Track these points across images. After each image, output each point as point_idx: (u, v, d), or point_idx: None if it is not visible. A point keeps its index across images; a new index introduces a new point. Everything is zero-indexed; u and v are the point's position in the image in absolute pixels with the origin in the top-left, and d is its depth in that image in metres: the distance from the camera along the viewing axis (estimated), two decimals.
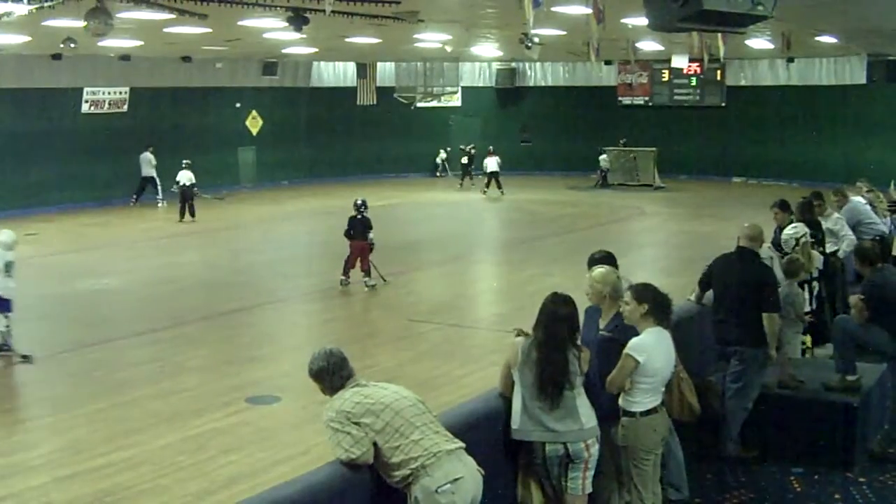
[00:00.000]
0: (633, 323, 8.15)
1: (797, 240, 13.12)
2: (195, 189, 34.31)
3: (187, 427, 13.18)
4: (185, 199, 34.01)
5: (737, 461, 10.30)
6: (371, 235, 21.86)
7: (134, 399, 14.53)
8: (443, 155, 48.47)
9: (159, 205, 37.65)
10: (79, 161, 36.28)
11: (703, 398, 9.05)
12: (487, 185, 41.21)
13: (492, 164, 41.13)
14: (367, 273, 22.00)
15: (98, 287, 22.85)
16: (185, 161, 35.17)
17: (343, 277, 22.15)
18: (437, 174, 48.38)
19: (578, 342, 7.74)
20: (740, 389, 10.27)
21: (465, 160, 44.81)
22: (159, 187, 37.75)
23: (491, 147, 42.31)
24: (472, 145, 45.09)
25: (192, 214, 33.95)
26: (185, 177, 34.20)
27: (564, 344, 7.58)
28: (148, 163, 37.85)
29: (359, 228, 21.84)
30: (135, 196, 37.75)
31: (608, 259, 9.36)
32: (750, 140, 43.93)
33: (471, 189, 42.37)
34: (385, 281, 22.29)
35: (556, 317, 7.66)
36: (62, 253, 27.49)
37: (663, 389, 8.24)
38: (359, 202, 22.07)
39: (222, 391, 14.85)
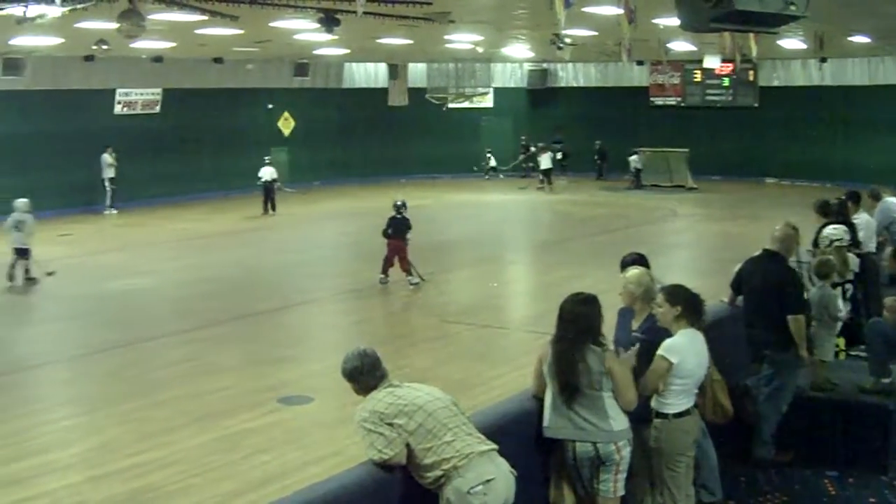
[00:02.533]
0: (666, 325, 8.12)
1: (832, 241, 13.04)
2: (277, 184, 35.09)
3: (220, 427, 13.21)
4: (268, 193, 34.98)
5: (770, 464, 10.23)
6: (408, 236, 22.04)
7: (167, 399, 14.58)
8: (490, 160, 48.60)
9: (106, 212, 36.35)
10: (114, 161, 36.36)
11: (737, 401, 9.01)
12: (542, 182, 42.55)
13: (546, 161, 42.63)
14: (409, 272, 22.12)
15: (131, 287, 22.95)
16: (266, 157, 36.13)
17: (382, 276, 22.26)
18: (486, 176, 48.35)
19: (602, 342, 7.67)
20: (773, 393, 10.19)
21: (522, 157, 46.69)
22: (109, 193, 36.50)
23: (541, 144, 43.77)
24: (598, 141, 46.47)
25: (273, 209, 34.95)
26: (268, 172, 35.05)
27: (578, 342, 7.54)
28: (106, 164, 36.46)
29: (398, 228, 21.99)
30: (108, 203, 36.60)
31: (640, 261, 9.34)
32: (783, 141, 43.67)
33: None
34: (423, 280, 22.40)
35: (571, 316, 7.64)
36: (96, 253, 27.64)
37: (696, 391, 8.20)
38: (398, 202, 22.36)
39: (255, 391, 14.88)
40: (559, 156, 46.52)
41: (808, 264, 11.60)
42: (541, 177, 43.20)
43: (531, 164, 46.88)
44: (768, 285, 10.22)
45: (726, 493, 9.33)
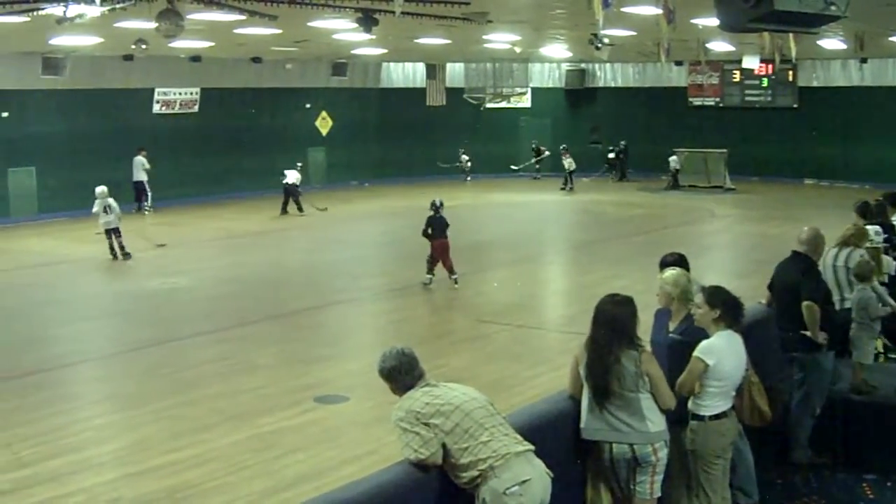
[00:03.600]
0: (704, 326, 8.08)
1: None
2: (299, 189, 35.08)
3: (255, 425, 13.23)
4: (287, 195, 35.02)
5: (808, 467, 10.16)
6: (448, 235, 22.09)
7: (202, 397, 14.63)
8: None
9: (146, 212, 36.14)
10: (150, 161, 36.51)
11: (774, 403, 8.95)
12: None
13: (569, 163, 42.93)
14: (451, 270, 22.10)
15: (167, 286, 23.04)
16: (298, 163, 36.23)
17: (429, 276, 22.23)
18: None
19: (638, 343, 7.61)
20: (804, 396, 10.15)
21: (611, 156, 46.80)
22: (149, 194, 36.49)
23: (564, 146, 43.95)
24: (622, 142, 46.68)
25: (300, 209, 35.04)
26: (292, 176, 35.11)
27: (613, 344, 7.50)
28: (140, 166, 36.29)
29: (438, 227, 21.97)
30: (136, 204, 36.10)
31: (680, 262, 9.29)
32: (822, 141, 43.41)
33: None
34: (432, 280, 22.39)
35: (606, 317, 7.61)
36: (134, 251, 27.72)
37: (734, 394, 8.15)
38: (437, 202, 22.36)
39: (291, 390, 14.89)
40: (611, 155, 46.85)
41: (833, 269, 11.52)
42: (565, 177, 43.22)
43: (539, 166, 47.12)
44: (791, 285, 10.18)
45: (763, 496, 9.26)
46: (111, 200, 26.47)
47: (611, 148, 47.05)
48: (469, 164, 47.24)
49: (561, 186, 42.78)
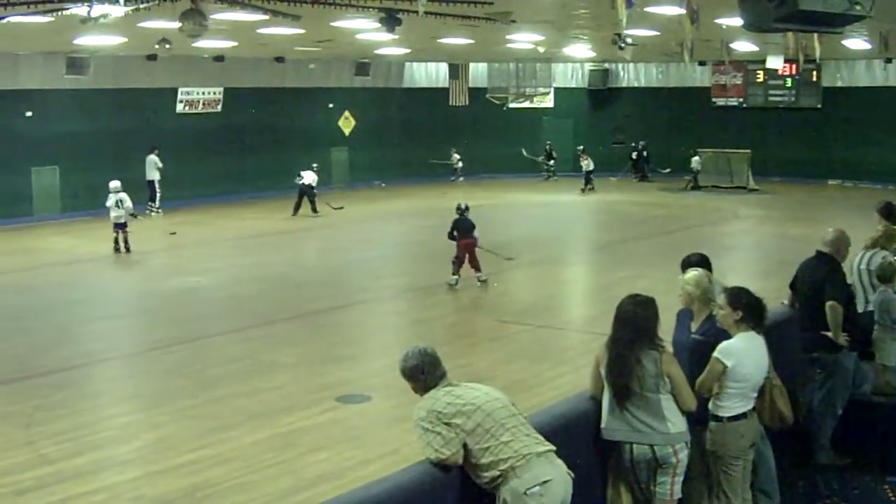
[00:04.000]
0: (726, 327, 8.06)
1: None
2: (315, 190, 34.85)
3: (277, 424, 13.26)
4: (301, 196, 34.86)
5: (829, 469, 10.11)
6: (475, 235, 22.32)
7: (224, 396, 14.67)
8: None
9: (153, 213, 35.75)
10: (173, 160, 36.70)
11: (796, 406, 8.92)
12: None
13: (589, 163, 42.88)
14: (477, 269, 22.24)
15: (190, 285, 23.11)
16: (314, 164, 35.89)
17: (455, 277, 22.24)
18: (459, 178, 47.15)
19: (659, 344, 7.60)
20: (826, 397, 10.10)
21: (634, 155, 46.84)
22: (158, 194, 36.28)
23: (582, 147, 43.93)
24: (642, 142, 46.65)
25: (314, 210, 34.77)
26: (308, 177, 34.94)
27: (634, 344, 7.49)
28: (153, 165, 36.28)
29: (464, 228, 22.15)
30: (150, 204, 35.99)
31: (703, 262, 9.26)
32: (846, 142, 43.27)
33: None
34: (483, 283, 22.50)
35: (627, 317, 7.60)
36: (155, 251, 27.85)
37: (755, 395, 8.12)
38: (462, 205, 22.58)
39: (312, 389, 14.92)
40: (633, 155, 46.90)
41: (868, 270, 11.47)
42: (585, 179, 43.12)
43: (549, 166, 46.97)
44: (814, 286, 10.14)
45: (784, 497, 9.23)
46: (124, 195, 27.41)
47: (633, 145, 46.98)
48: (460, 163, 47.07)
49: (581, 188, 42.62)
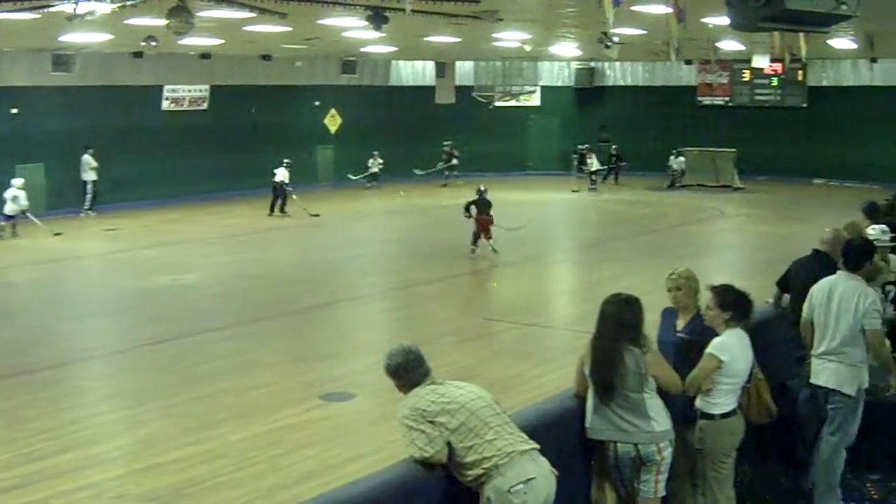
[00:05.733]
0: (714, 326, 8.08)
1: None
2: (288, 188, 34.55)
3: (263, 422, 13.26)
4: (276, 195, 34.54)
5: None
6: (490, 212, 25.83)
7: (210, 393, 14.66)
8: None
9: (81, 214, 34.41)
10: (159, 158, 36.66)
11: (784, 401, 8.95)
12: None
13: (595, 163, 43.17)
14: (489, 237, 25.61)
15: (176, 283, 23.08)
16: (285, 160, 35.48)
17: (473, 247, 25.50)
18: (368, 184, 44.38)
19: (642, 343, 7.62)
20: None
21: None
22: (89, 196, 34.89)
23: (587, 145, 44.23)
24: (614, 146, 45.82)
25: (282, 210, 34.43)
26: (280, 174, 34.60)
27: (617, 342, 7.51)
28: (87, 165, 34.94)
29: (481, 205, 25.74)
30: (85, 207, 34.80)
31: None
32: (832, 141, 43.34)
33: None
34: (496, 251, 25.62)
35: (610, 315, 7.63)
36: (142, 248, 27.79)
37: (741, 392, 8.16)
38: (481, 188, 26.57)
39: (298, 387, 14.94)
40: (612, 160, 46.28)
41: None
42: (592, 178, 43.05)
43: (448, 171, 46.14)
44: (810, 284, 10.13)
45: (766, 496, 9.27)
46: (22, 193, 30.06)
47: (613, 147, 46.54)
48: (455, 160, 45.86)
49: (589, 187, 42.72)
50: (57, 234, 29.40)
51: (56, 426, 13.20)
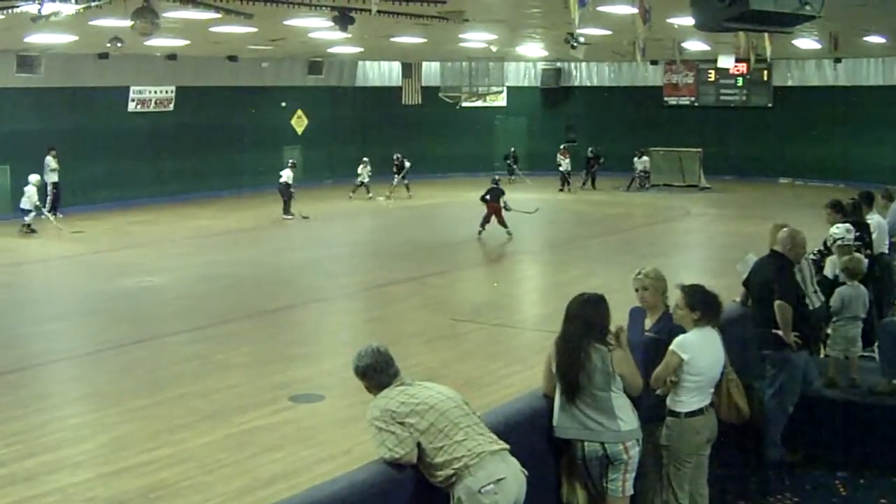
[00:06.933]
0: (683, 325, 8.11)
1: (835, 240, 13.00)
2: (291, 189, 34.47)
3: (231, 424, 13.24)
4: (283, 195, 34.49)
5: (781, 465, 10.18)
6: (504, 199, 29.23)
7: (178, 396, 14.62)
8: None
9: (43, 216, 31.89)
10: (125, 159, 36.51)
11: (751, 401, 8.99)
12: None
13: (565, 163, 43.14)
14: (503, 224, 28.97)
15: (143, 284, 22.99)
16: (290, 161, 35.86)
17: (480, 229, 28.89)
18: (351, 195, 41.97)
19: (608, 342, 7.63)
20: (776, 393, 10.15)
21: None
22: (49, 199, 33.64)
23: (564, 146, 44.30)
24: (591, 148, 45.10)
25: (285, 212, 34.24)
26: (286, 175, 34.52)
27: (583, 341, 7.53)
28: (48, 167, 34.11)
29: (493, 194, 29.14)
30: (52, 209, 33.51)
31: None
32: (797, 141, 43.66)
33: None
34: (510, 236, 28.91)
35: (575, 315, 7.65)
36: (108, 250, 27.68)
37: (711, 391, 8.18)
38: (496, 177, 31.32)
39: (266, 389, 14.91)
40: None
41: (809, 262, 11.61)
42: (566, 179, 43.02)
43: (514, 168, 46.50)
44: (764, 285, 10.23)
45: (736, 493, 9.30)
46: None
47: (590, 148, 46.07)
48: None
49: (559, 188, 42.75)
50: (77, 232, 30.40)
51: (22, 430, 13.13)
